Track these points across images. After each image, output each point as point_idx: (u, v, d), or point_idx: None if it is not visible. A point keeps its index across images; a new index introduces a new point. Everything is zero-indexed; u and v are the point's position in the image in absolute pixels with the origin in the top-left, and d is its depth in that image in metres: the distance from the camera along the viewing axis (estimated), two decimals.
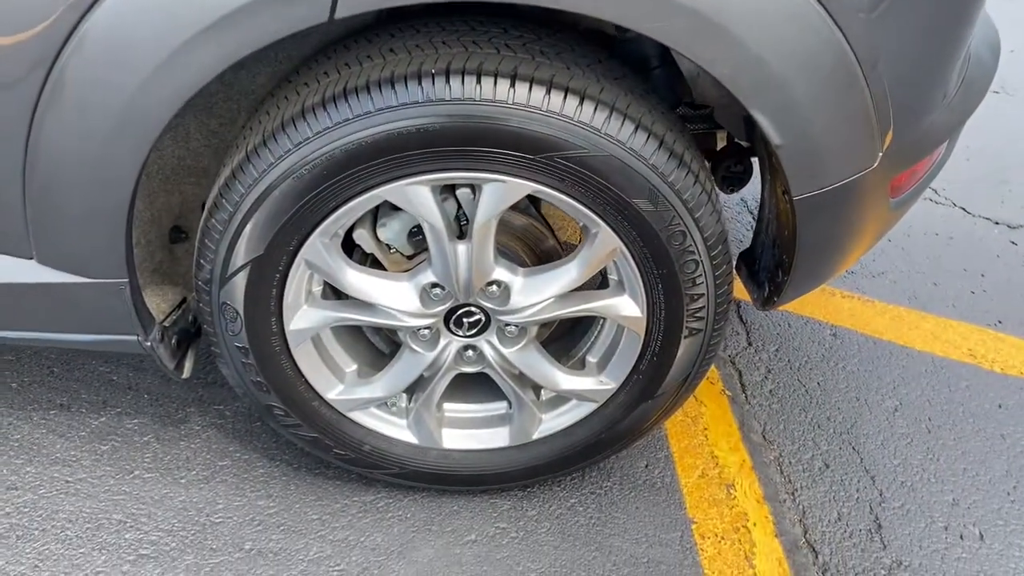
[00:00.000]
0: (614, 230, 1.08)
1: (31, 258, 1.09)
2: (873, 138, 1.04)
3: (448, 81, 0.97)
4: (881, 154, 1.06)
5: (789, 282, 1.19)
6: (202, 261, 1.11)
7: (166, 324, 1.24)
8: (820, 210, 1.08)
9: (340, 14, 0.88)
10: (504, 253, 1.18)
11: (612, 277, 1.17)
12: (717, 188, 1.13)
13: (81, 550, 1.29)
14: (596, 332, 1.29)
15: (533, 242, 1.20)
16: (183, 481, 1.40)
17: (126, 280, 1.11)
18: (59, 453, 1.43)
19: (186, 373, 1.30)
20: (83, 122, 0.94)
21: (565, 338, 1.35)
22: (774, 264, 1.22)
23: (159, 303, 1.26)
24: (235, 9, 0.87)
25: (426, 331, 1.20)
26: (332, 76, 1.01)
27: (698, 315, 1.15)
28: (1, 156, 0.99)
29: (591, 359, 1.27)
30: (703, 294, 1.13)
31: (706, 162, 1.16)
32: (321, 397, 1.25)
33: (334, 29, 1.10)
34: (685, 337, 1.18)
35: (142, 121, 0.94)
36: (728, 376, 1.66)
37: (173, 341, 1.26)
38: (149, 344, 1.19)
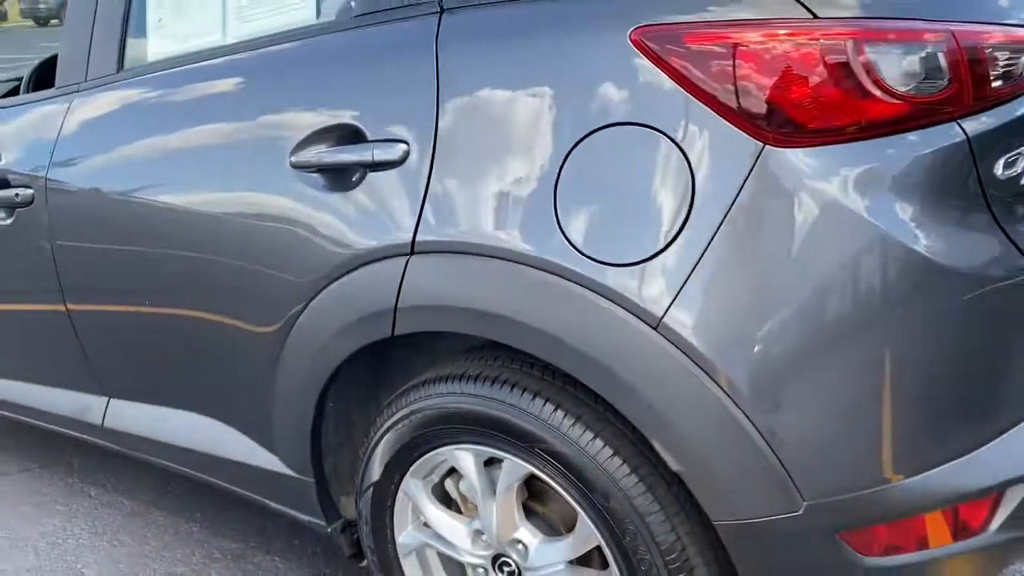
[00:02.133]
0: (590, 519, 1.35)
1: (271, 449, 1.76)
2: (782, 484, 1.17)
3: (476, 382, 1.41)
4: (807, 503, 1.18)
5: None
6: (355, 476, 1.66)
7: (352, 521, 1.80)
8: (743, 542, 1.21)
9: (398, 332, 1.42)
10: (539, 516, 1.49)
11: None
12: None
13: None
14: None
15: (565, 512, 1.49)
16: None
17: (313, 481, 1.71)
18: None
19: (365, 562, 1.82)
20: (287, 378, 1.61)
21: None
22: None
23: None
24: (338, 329, 1.47)
25: (480, 569, 1.55)
26: (431, 367, 1.53)
27: None
28: (260, 385, 1.68)
29: None
30: None
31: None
32: None
33: None
34: None
35: (310, 379, 1.57)
36: None
37: (355, 536, 1.80)
38: (329, 531, 1.76)
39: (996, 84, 1.17)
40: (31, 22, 28.56)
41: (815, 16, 1.14)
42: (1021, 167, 1.21)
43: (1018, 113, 1.20)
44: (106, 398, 2.08)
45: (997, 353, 1.22)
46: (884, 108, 1.13)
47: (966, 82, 1.14)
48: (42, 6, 27.96)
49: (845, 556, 1.23)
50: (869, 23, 1.14)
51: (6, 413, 2.42)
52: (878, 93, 1.12)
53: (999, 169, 1.19)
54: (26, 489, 2.56)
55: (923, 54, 1.13)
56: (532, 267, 1.26)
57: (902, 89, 1.13)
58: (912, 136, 1.16)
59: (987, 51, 1.15)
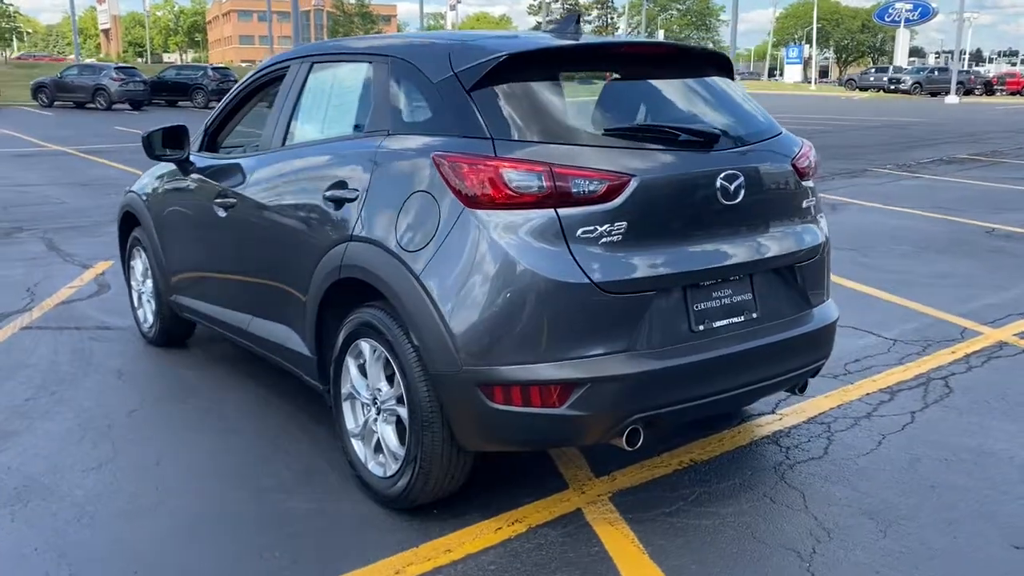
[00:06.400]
0: (399, 373, 2.88)
1: (303, 340, 3.43)
2: (453, 355, 2.63)
3: (368, 307, 3.00)
4: (463, 367, 2.63)
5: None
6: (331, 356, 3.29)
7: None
8: (439, 384, 2.69)
9: (341, 277, 3.04)
10: (389, 379, 3.02)
11: None
12: None
13: None
14: None
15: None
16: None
17: (316, 359, 3.35)
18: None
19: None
20: (309, 304, 3.28)
21: None
22: None
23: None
24: (325, 274, 3.13)
25: (368, 404, 3.09)
26: None
27: None
28: (302, 308, 3.37)
29: None
30: None
31: None
32: None
33: None
34: None
35: (315, 301, 3.22)
36: None
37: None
38: (322, 389, 3.38)
39: (575, 193, 2.61)
40: None
41: (496, 155, 2.66)
42: (585, 230, 2.61)
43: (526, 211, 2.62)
44: (251, 316, 3.90)
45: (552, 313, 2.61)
46: (518, 198, 2.62)
47: (553, 190, 2.60)
48: None
49: (481, 400, 2.67)
50: (516, 162, 2.64)
51: (208, 324, 4.35)
52: (511, 192, 2.61)
53: (576, 230, 2.61)
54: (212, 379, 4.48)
55: (536, 177, 2.61)
56: (383, 249, 2.87)
57: (528, 191, 2.61)
58: (533, 211, 2.62)
59: (569, 178, 2.60)
